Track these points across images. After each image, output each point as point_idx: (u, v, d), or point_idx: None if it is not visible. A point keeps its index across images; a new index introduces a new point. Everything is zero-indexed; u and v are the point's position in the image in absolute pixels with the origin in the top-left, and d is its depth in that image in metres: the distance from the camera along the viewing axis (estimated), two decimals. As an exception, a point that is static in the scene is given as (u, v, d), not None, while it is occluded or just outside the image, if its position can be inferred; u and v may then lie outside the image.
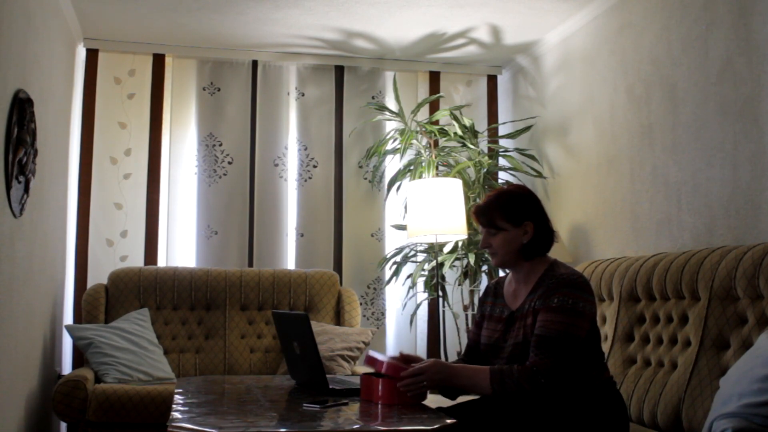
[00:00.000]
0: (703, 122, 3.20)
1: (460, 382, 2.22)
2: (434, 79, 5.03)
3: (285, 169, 4.77)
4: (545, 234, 2.36)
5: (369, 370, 2.38)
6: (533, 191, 2.54)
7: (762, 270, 2.41)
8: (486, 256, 4.44)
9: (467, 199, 4.41)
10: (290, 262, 4.73)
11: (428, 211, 4.11)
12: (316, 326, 3.99)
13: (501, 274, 4.56)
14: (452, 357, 4.46)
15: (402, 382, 2.15)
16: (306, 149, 4.83)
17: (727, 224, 3.04)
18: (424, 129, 4.61)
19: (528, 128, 4.64)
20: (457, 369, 2.22)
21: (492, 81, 5.16)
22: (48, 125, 3.61)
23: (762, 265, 2.42)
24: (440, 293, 4.36)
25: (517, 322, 2.32)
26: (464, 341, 4.45)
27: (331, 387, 2.38)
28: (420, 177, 4.48)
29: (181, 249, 4.63)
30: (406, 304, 4.67)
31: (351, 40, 4.57)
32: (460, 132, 4.55)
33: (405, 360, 2.32)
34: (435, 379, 2.19)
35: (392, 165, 4.83)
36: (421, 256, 4.64)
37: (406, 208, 4.62)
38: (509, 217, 2.33)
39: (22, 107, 3.02)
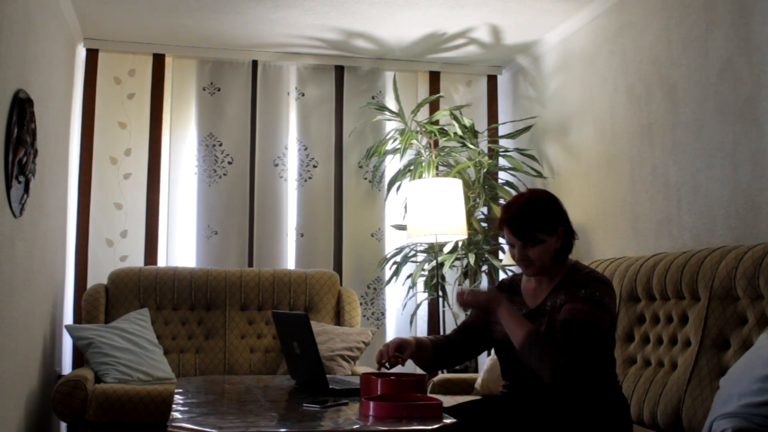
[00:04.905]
0: (703, 122, 3.20)
1: (503, 316, 2.29)
2: (434, 79, 5.03)
3: (285, 169, 4.77)
4: (572, 236, 2.36)
5: (368, 369, 2.38)
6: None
7: (762, 270, 2.41)
8: (486, 255, 4.44)
9: (467, 199, 4.41)
10: (290, 262, 4.73)
11: (428, 211, 4.12)
12: (316, 326, 3.99)
13: (501, 274, 4.56)
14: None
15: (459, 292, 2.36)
16: (306, 149, 4.83)
17: (727, 224, 3.04)
18: (424, 129, 4.61)
19: (528, 128, 4.64)
20: (506, 309, 2.29)
21: (492, 81, 5.16)
22: (48, 125, 3.61)
23: (762, 265, 2.42)
24: (440, 293, 4.36)
25: (537, 319, 2.32)
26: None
27: (331, 387, 2.38)
28: (420, 177, 4.48)
29: (181, 249, 4.63)
30: (406, 304, 4.67)
31: (351, 40, 4.57)
32: (460, 132, 4.55)
33: (399, 348, 2.36)
34: (483, 300, 2.34)
35: (392, 165, 4.83)
36: (421, 256, 4.64)
37: (406, 208, 4.62)
38: (546, 228, 2.29)
39: (22, 107, 3.02)
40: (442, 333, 4.36)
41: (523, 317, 2.29)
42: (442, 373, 4.25)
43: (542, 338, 2.20)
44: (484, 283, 4.67)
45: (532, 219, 2.29)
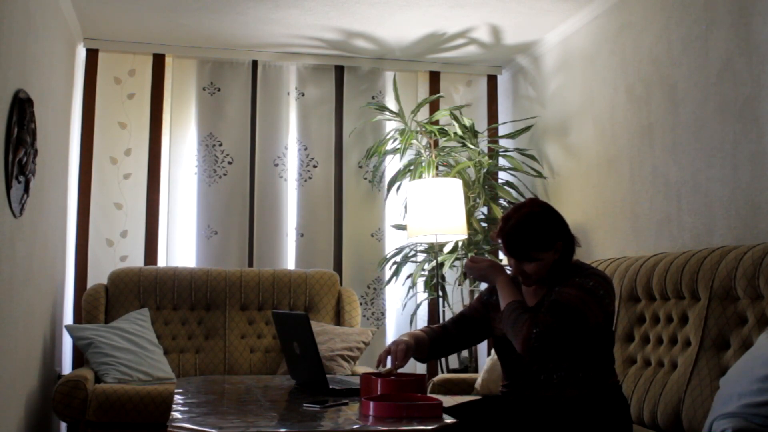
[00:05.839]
0: (703, 122, 3.20)
1: (499, 286, 2.35)
2: (434, 79, 5.03)
3: (285, 169, 4.77)
4: (571, 245, 2.36)
5: (368, 369, 2.38)
6: (544, 200, 2.53)
7: (762, 270, 2.41)
8: (486, 255, 4.43)
9: (467, 199, 4.41)
10: (290, 262, 4.73)
11: (428, 211, 4.12)
12: (316, 326, 3.99)
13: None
14: (452, 358, 4.46)
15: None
16: (306, 149, 4.83)
17: (727, 224, 3.04)
18: (424, 129, 4.61)
19: (528, 128, 4.64)
20: (503, 281, 2.35)
21: (492, 81, 5.16)
22: (48, 125, 3.61)
23: (762, 265, 2.42)
24: (440, 293, 4.36)
25: None
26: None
27: (331, 387, 2.38)
28: (420, 177, 4.48)
29: (181, 249, 4.63)
30: (406, 304, 4.67)
31: (351, 40, 4.57)
32: (460, 132, 4.55)
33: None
34: (483, 267, 2.40)
35: (392, 165, 4.83)
36: (421, 256, 4.63)
37: (406, 208, 4.62)
38: (542, 246, 2.28)
39: (22, 107, 3.02)
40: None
41: (517, 290, 2.33)
42: (442, 371, 4.26)
43: (522, 308, 2.23)
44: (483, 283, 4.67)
45: (527, 238, 2.28)
